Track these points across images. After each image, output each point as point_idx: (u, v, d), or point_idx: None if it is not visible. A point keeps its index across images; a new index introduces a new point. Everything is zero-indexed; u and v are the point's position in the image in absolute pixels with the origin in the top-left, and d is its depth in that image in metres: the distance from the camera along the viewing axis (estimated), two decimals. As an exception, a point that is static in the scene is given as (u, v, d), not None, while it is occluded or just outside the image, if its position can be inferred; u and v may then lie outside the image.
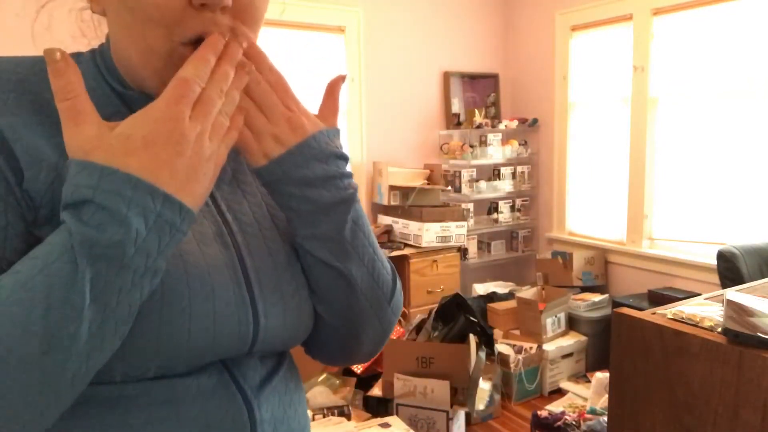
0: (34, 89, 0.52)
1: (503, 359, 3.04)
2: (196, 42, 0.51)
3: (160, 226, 0.45)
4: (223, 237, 0.58)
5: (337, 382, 2.72)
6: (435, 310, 2.89)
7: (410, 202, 3.55)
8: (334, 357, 0.71)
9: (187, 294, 0.51)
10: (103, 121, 0.46)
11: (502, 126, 3.94)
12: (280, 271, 0.60)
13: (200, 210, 0.57)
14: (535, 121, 4.05)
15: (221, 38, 0.51)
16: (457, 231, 3.50)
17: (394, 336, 2.92)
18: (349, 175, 0.61)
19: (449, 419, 2.47)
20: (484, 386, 2.81)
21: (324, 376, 2.71)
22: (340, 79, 0.64)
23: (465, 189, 3.76)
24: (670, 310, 1.28)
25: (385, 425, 2.20)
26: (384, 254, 0.67)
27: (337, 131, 0.62)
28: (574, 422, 2.53)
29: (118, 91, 0.57)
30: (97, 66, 0.58)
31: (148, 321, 0.49)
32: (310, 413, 2.37)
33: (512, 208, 4.02)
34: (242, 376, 0.58)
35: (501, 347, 3.09)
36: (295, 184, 0.57)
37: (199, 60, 0.49)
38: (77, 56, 0.59)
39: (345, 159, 0.61)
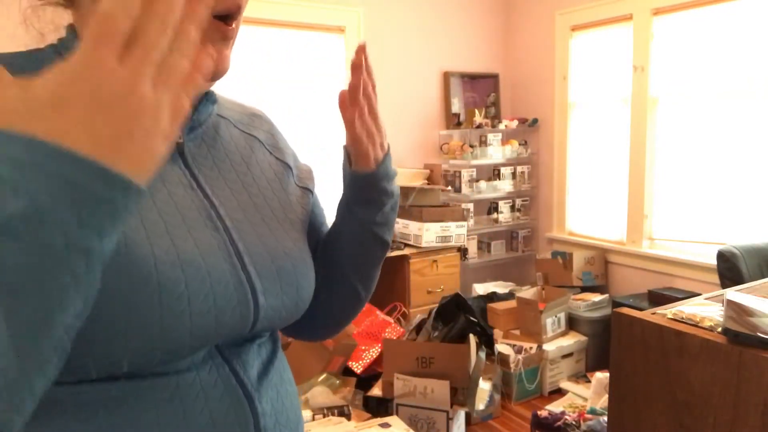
0: None
1: (503, 359, 3.04)
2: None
3: (74, 196, 0.35)
4: (212, 221, 0.58)
5: (337, 382, 2.72)
6: (435, 310, 2.89)
7: (410, 202, 3.55)
8: (316, 329, 0.81)
9: (183, 279, 0.51)
10: (12, 80, 0.40)
11: (502, 126, 3.94)
12: (272, 252, 0.62)
13: (187, 194, 0.58)
14: (535, 121, 4.05)
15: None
16: (457, 231, 3.50)
17: (394, 336, 2.92)
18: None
19: (449, 419, 2.47)
20: (484, 386, 2.81)
21: (324, 376, 2.71)
22: (362, 48, 0.66)
23: (465, 189, 3.76)
24: (670, 310, 1.28)
25: (385, 425, 2.20)
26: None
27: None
28: (574, 422, 2.53)
29: None
30: (62, 56, 0.54)
31: (147, 308, 0.49)
32: (310, 413, 2.37)
33: (512, 208, 4.02)
34: (242, 368, 0.58)
35: (501, 347, 3.09)
36: (388, 180, 0.72)
37: None
38: (39, 51, 0.56)
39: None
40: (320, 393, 2.53)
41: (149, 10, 0.37)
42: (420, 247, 3.41)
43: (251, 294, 0.57)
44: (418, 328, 2.91)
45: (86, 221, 0.36)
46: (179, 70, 0.39)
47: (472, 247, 3.86)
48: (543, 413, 2.63)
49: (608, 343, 1.36)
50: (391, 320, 3.13)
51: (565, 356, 3.18)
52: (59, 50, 0.57)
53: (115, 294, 0.47)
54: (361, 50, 0.64)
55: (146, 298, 0.49)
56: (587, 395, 2.85)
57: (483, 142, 3.85)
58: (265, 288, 0.58)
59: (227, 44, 0.56)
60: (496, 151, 3.85)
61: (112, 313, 0.47)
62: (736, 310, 1.15)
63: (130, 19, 0.36)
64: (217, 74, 0.56)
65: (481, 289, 3.73)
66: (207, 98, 0.64)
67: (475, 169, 3.81)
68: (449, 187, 3.76)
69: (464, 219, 3.57)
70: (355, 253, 0.77)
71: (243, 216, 0.62)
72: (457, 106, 4.03)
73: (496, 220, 3.97)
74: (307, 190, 0.75)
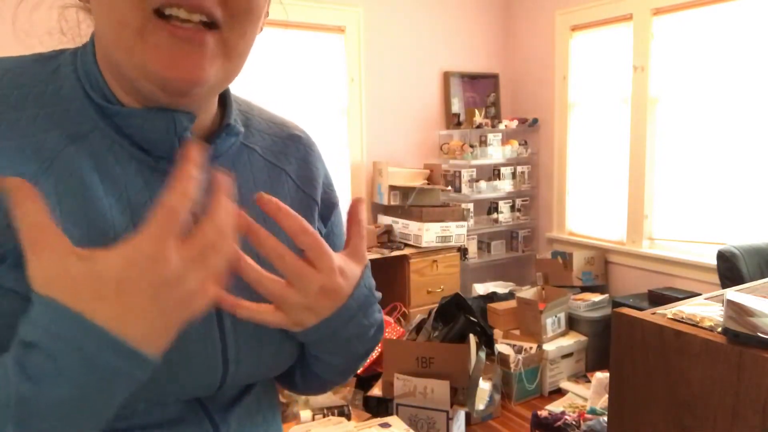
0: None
1: (503, 359, 3.04)
2: (168, 14, 0.45)
3: (115, 380, 0.40)
4: None
5: (337, 382, 2.72)
6: (435, 310, 2.89)
7: (410, 202, 3.55)
8: (298, 389, 0.70)
9: None
10: (71, 249, 0.40)
11: (502, 126, 3.94)
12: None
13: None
14: (535, 121, 4.05)
15: (201, 147, 0.43)
16: (457, 231, 3.50)
17: (394, 336, 2.92)
18: (379, 299, 0.61)
19: (449, 419, 2.47)
20: (484, 386, 2.81)
21: (324, 376, 2.71)
22: (359, 202, 0.57)
23: (465, 189, 3.76)
24: (670, 310, 1.28)
25: (385, 425, 2.20)
26: (376, 309, 0.62)
27: (368, 266, 0.58)
28: (574, 422, 2.53)
29: (97, 102, 0.51)
30: (77, 72, 0.52)
31: None
32: (310, 413, 2.37)
33: (512, 208, 4.02)
34: (210, 400, 0.56)
35: (501, 347, 3.09)
36: (331, 342, 0.56)
37: (184, 180, 0.41)
38: (59, 55, 0.54)
39: (377, 295, 0.60)
40: (320, 393, 2.52)
41: (211, 214, 0.42)
42: (420, 247, 3.41)
43: (222, 363, 0.53)
44: (418, 328, 2.91)
45: (114, 400, 0.41)
46: (219, 269, 0.43)
47: (472, 247, 3.86)
48: (543, 413, 2.63)
49: (608, 343, 1.36)
50: (391, 320, 3.13)
51: (565, 356, 3.18)
52: (76, 60, 0.53)
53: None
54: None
55: None
56: (587, 395, 2.85)
57: (483, 142, 3.85)
58: (239, 358, 0.54)
59: (200, 51, 0.47)
60: (496, 151, 3.85)
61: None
62: (736, 310, 1.15)
63: (186, 214, 0.41)
64: (183, 86, 0.47)
65: (481, 289, 3.73)
66: (228, 131, 0.57)
67: (475, 169, 3.81)
68: (449, 187, 3.76)
69: (464, 219, 3.57)
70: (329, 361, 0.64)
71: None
72: (457, 106, 4.03)
73: (496, 220, 3.97)
74: (329, 230, 0.68)
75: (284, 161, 0.64)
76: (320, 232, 0.66)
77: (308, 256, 0.50)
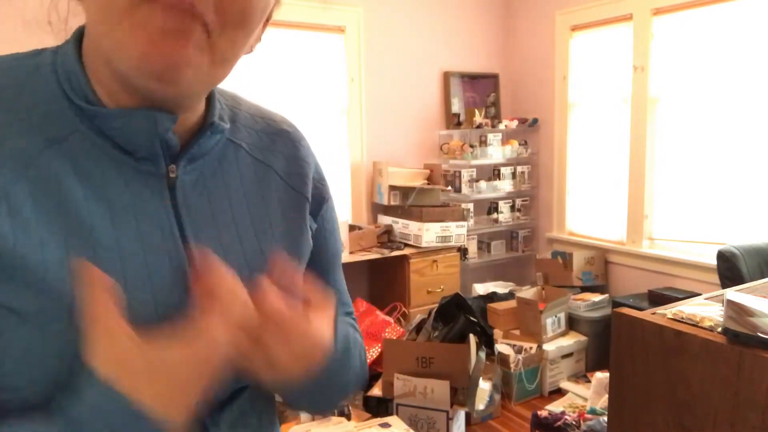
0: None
1: (503, 359, 3.04)
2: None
3: None
4: (184, 277, 0.52)
5: (337, 382, 2.72)
6: (435, 310, 2.89)
7: (410, 202, 3.55)
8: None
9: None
10: (131, 336, 0.44)
11: (502, 126, 3.94)
12: None
13: (164, 244, 0.52)
14: (535, 121, 4.05)
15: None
16: (457, 231, 3.50)
17: (394, 336, 2.92)
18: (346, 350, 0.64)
19: (449, 419, 2.47)
20: (484, 386, 2.81)
21: (324, 376, 2.71)
22: (288, 270, 0.56)
23: (465, 189, 3.76)
24: (670, 310, 1.28)
25: (385, 425, 2.20)
26: (360, 352, 0.67)
27: (344, 291, 0.64)
28: (574, 422, 2.53)
29: (77, 104, 0.50)
30: (56, 73, 0.51)
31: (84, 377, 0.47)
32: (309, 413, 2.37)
33: (512, 208, 4.02)
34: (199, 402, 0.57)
35: (501, 347, 3.09)
36: (299, 395, 0.60)
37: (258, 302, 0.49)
38: (38, 55, 0.52)
39: (351, 309, 0.65)
40: (320, 393, 2.52)
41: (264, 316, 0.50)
42: (420, 247, 3.41)
43: None
44: (418, 328, 2.91)
45: None
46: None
47: (472, 247, 3.86)
48: (543, 413, 2.63)
49: (608, 343, 1.36)
50: (391, 320, 3.13)
51: (565, 356, 3.18)
52: (56, 59, 0.52)
53: (48, 359, 0.46)
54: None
55: (83, 368, 0.46)
56: (587, 395, 2.85)
57: (483, 142, 3.85)
58: None
59: (186, 37, 0.45)
60: (496, 151, 3.85)
61: (44, 375, 0.46)
62: (736, 310, 1.15)
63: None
64: (160, 67, 0.45)
65: (481, 289, 3.73)
66: (212, 129, 0.56)
67: (475, 169, 3.81)
68: (449, 187, 3.76)
69: (464, 219, 3.57)
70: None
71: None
72: (457, 106, 4.03)
73: (496, 220, 3.97)
74: (320, 225, 0.68)
75: (271, 158, 0.63)
76: (310, 229, 0.65)
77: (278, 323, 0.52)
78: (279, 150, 0.64)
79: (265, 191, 0.61)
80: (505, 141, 3.92)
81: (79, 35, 0.53)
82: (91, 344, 0.43)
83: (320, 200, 0.67)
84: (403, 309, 3.37)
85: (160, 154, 0.52)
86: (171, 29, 0.44)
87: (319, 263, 0.68)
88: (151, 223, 0.51)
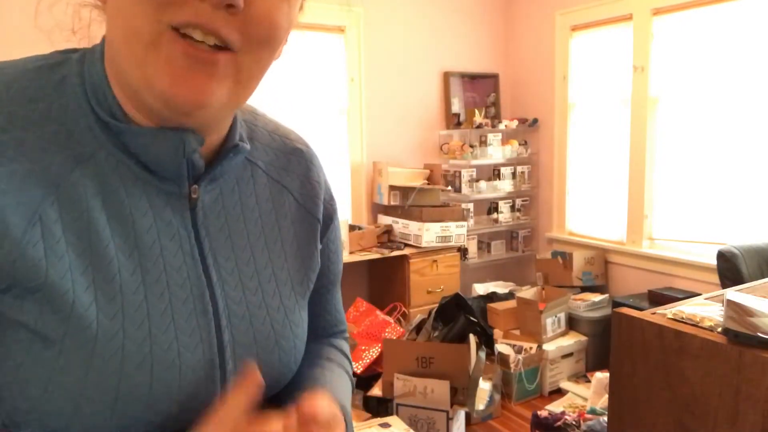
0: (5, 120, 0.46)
1: (503, 359, 3.04)
2: (185, 29, 0.44)
3: None
4: (203, 302, 0.53)
5: (337, 382, 2.72)
6: (435, 310, 2.89)
7: (410, 202, 3.55)
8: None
9: (149, 381, 0.48)
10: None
11: (502, 126, 3.94)
12: (262, 344, 0.56)
13: (184, 266, 0.52)
14: (535, 121, 4.05)
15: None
16: (457, 231, 3.50)
17: (394, 336, 2.92)
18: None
19: (449, 419, 2.47)
20: (484, 386, 2.81)
21: (324, 376, 2.70)
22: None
23: (465, 189, 3.76)
24: (670, 310, 1.28)
25: (385, 425, 2.20)
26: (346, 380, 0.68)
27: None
28: (574, 422, 2.53)
29: (104, 120, 0.49)
30: (84, 84, 0.50)
31: (101, 405, 0.46)
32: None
33: (512, 208, 4.02)
34: None
35: (501, 347, 3.09)
36: None
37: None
38: (65, 62, 0.51)
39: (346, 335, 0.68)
40: (320, 393, 2.52)
41: None
42: (420, 247, 3.41)
43: (221, 390, 0.53)
44: (418, 328, 2.91)
45: None
46: None
47: (472, 247, 3.86)
48: (543, 413, 2.63)
49: (608, 343, 1.36)
50: (391, 320, 3.13)
51: (565, 356, 3.18)
52: (83, 69, 0.51)
53: (68, 384, 0.45)
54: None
55: (101, 395, 0.46)
56: (587, 395, 2.85)
57: (483, 142, 3.85)
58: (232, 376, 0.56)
59: (210, 71, 0.46)
60: (496, 151, 3.85)
61: (61, 400, 0.46)
62: (736, 310, 1.15)
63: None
64: (187, 105, 0.46)
65: (481, 289, 3.73)
66: (235, 151, 0.56)
67: (475, 169, 3.81)
68: (449, 187, 3.76)
69: (464, 219, 3.57)
70: None
71: (241, 296, 0.56)
72: (457, 106, 4.03)
73: (496, 220, 3.97)
74: (328, 245, 0.68)
75: (286, 178, 0.63)
76: (315, 252, 0.66)
77: None
78: (294, 170, 0.64)
79: (279, 211, 0.61)
80: (505, 141, 3.92)
81: (105, 45, 0.52)
82: (206, 422, 0.48)
83: (328, 221, 0.68)
84: (403, 309, 3.37)
85: (185, 174, 0.52)
86: (196, 63, 0.45)
87: (321, 282, 0.68)
88: (173, 243, 0.52)
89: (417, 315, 3.15)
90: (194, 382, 0.51)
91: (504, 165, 3.94)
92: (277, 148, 0.64)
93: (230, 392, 0.48)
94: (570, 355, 3.20)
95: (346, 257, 3.22)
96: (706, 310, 1.25)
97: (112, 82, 0.50)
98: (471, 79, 4.10)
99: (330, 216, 0.68)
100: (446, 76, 3.98)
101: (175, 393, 0.50)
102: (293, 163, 0.65)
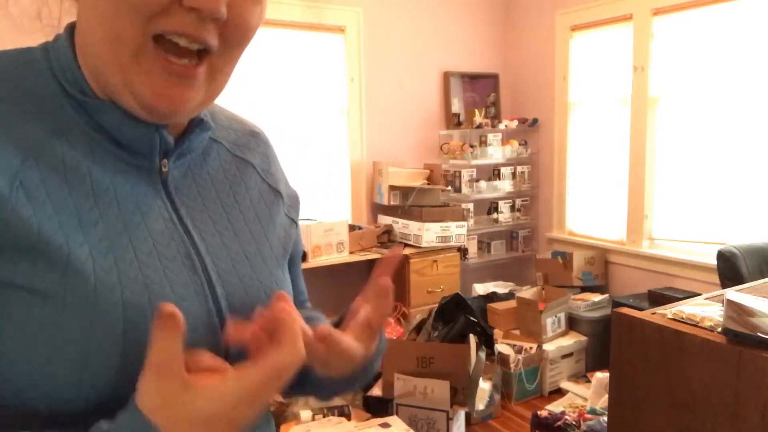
0: None
1: (503, 359, 3.04)
2: (168, 39, 0.47)
3: None
4: (191, 260, 0.54)
5: (337, 382, 2.72)
6: (435, 310, 2.89)
7: (410, 202, 3.55)
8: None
9: (152, 320, 0.48)
10: (183, 379, 0.43)
11: (502, 126, 3.94)
12: (253, 295, 0.58)
13: (167, 229, 0.54)
14: (535, 121, 4.05)
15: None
16: (457, 231, 3.50)
17: (394, 336, 2.92)
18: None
19: (449, 419, 2.47)
20: (484, 386, 2.81)
21: (324, 376, 2.71)
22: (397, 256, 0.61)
23: (465, 189, 3.76)
24: (670, 310, 1.28)
25: (385, 425, 2.20)
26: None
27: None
28: (574, 422, 2.53)
29: (76, 98, 0.50)
30: (52, 69, 0.51)
31: (107, 357, 0.46)
32: (310, 413, 2.37)
33: (512, 208, 4.02)
34: None
35: (501, 347, 3.09)
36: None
37: (296, 349, 0.46)
38: (27, 52, 0.53)
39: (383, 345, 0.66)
40: (320, 393, 2.52)
41: (281, 380, 0.46)
42: (420, 247, 3.41)
43: (223, 341, 0.54)
44: (418, 328, 2.91)
45: None
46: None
47: (472, 247, 3.86)
48: (543, 413, 2.63)
49: (608, 343, 1.36)
50: (391, 320, 3.13)
51: (565, 356, 3.18)
52: (49, 56, 0.52)
53: (74, 339, 0.45)
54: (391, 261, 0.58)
55: (108, 347, 0.46)
56: (587, 395, 2.85)
57: (483, 142, 3.85)
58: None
59: (189, 84, 0.50)
60: (496, 151, 3.85)
61: (69, 357, 0.46)
62: (736, 310, 1.15)
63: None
64: (165, 115, 0.50)
65: (481, 289, 3.73)
66: (201, 127, 0.59)
67: (475, 169, 3.81)
68: (449, 187, 3.76)
69: (464, 219, 3.57)
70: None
71: (225, 254, 0.58)
72: (457, 106, 4.03)
73: (496, 220, 3.97)
74: (294, 222, 0.71)
75: (249, 155, 0.67)
76: (286, 225, 0.69)
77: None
78: (254, 149, 0.68)
79: (248, 184, 0.65)
80: (505, 141, 3.92)
81: (71, 29, 0.53)
82: (145, 382, 0.43)
83: (294, 201, 0.72)
84: (403, 309, 3.37)
85: (157, 149, 0.54)
86: (176, 78, 0.49)
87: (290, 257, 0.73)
88: (152, 211, 0.53)
89: (417, 315, 3.15)
90: (195, 330, 0.51)
91: (504, 165, 3.94)
92: (238, 129, 0.68)
93: (154, 337, 0.43)
94: (570, 355, 3.20)
95: (347, 257, 3.22)
96: (706, 310, 1.25)
97: (82, 65, 0.51)
98: (471, 79, 4.10)
99: (292, 196, 0.72)
100: (446, 76, 3.98)
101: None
102: (253, 143, 0.69)
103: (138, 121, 0.51)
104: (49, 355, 0.45)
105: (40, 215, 0.45)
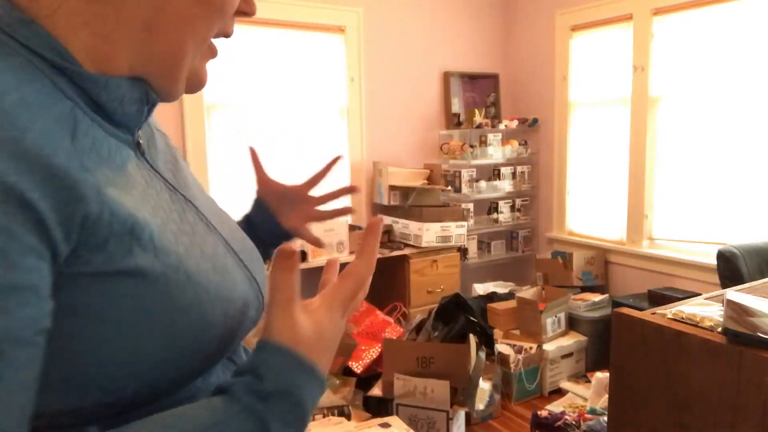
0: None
1: (503, 359, 3.04)
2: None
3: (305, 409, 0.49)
4: (204, 221, 0.58)
5: (337, 382, 2.72)
6: (435, 310, 2.89)
7: (410, 202, 3.55)
8: None
9: (213, 281, 0.53)
10: (305, 307, 0.50)
11: (502, 126, 3.94)
12: (250, 246, 0.65)
13: (173, 198, 0.55)
14: (535, 121, 4.05)
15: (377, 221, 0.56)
16: (457, 231, 3.50)
17: (394, 336, 2.92)
18: None
19: (449, 419, 2.47)
20: (484, 386, 2.81)
21: (324, 376, 2.71)
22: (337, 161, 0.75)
23: (465, 189, 3.76)
24: (670, 310, 1.28)
25: (385, 425, 2.20)
26: None
27: None
28: (574, 422, 2.53)
29: (74, 72, 0.46)
30: (29, 46, 0.44)
31: (191, 333, 0.49)
32: (310, 413, 2.37)
33: (512, 208, 4.02)
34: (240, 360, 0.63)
35: (501, 347, 3.09)
36: None
37: (371, 252, 0.54)
38: None
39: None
40: (320, 393, 2.52)
41: (365, 287, 0.55)
42: (420, 247, 3.41)
43: (258, 289, 0.60)
44: (418, 328, 2.91)
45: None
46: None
47: (472, 247, 3.86)
48: (543, 413, 2.63)
49: (608, 343, 1.36)
50: (391, 320, 3.13)
51: (565, 356, 3.18)
52: (30, 44, 0.44)
53: (163, 317, 0.48)
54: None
55: (191, 323, 0.49)
56: (587, 395, 2.85)
57: (483, 142, 3.85)
58: (261, 280, 0.62)
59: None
60: (496, 151, 3.85)
61: (157, 334, 0.48)
62: (736, 310, 1.15)
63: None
64: (199, 88, 0.58)
65: (481, 289, 3.73)
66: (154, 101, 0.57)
67: (475, 169, 3.81)
68: (449, 187, 3.76)
69: (464, 219, 3.57)
70: None
71: (218, 218, 0.62)
72: (457, 106, 4.03)
73: (496, 220, 3.97)
74: None
75: (159, 128, 0.71)
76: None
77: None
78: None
79: (174, 152, 0.66)
80: (505, 141, 3.92)
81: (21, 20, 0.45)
82: (277, 319, 0.48)
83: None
84: (403, 309, 3.37)
85: (143, 121, 0.54)
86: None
87: None
88: (156, 185, 0.54)
89: (417, 315, 3.15)
90: (243, 290, 0.57)
91: (504, 165, 3.94)
92: None
93: (276, 276, 0.48)
94: (570, 355, 3.20)
95: (347, 257, 3.22)
96: (706, 310, 1.25)
97: (67, 44, 0.46)
98: (471, 79, 4.10)
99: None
100: (446, 76, 3.98)
101: (232, 306, 0.54)
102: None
103: (139, 92, 0.51)
104: (150, 335, 0.47)
105: (124, 198, 0.46)
